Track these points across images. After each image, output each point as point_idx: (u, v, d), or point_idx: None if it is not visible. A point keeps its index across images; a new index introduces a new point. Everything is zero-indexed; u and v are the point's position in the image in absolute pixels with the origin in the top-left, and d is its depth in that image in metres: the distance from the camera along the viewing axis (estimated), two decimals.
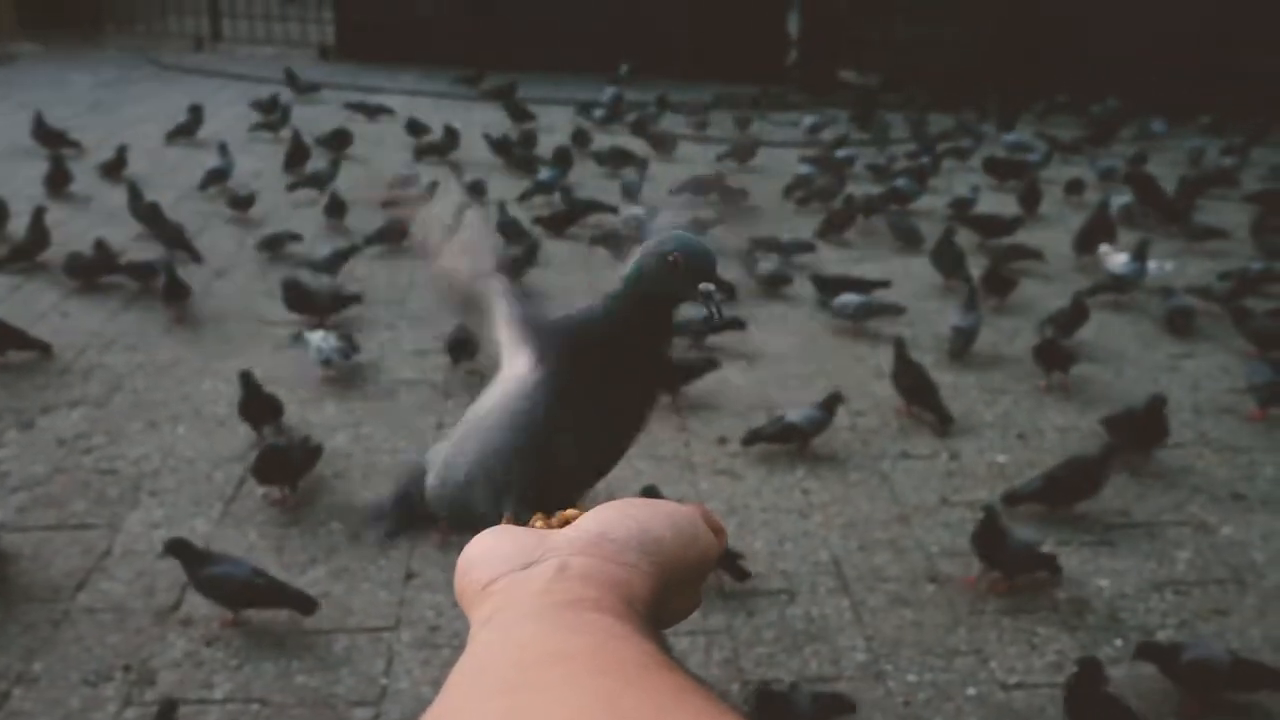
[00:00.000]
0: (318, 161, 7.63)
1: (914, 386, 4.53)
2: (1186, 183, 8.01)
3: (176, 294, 5.21)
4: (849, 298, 5.39)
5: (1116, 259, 6.00)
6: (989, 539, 3.42)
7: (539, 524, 0.83)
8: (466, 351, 4.59)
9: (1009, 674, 3.10)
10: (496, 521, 0.87)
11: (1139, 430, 4.23)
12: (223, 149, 7.38)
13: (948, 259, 6.02)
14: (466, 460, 0.94)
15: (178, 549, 3.14)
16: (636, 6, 11.51)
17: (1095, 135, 9.53)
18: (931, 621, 3.31)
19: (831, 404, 4.25)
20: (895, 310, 5.42)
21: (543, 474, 0.91)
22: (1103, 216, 6.61)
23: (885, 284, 5.77)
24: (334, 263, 5.76)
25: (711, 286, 0.87)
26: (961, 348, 5.11)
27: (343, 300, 5.32)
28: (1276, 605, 3.44)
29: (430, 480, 0.98)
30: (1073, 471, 3.84)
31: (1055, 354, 4.86)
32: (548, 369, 0.91)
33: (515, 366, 0.94)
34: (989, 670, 3.11)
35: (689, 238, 0.90)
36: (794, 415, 4.20)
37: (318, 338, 4.61)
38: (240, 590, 3.09)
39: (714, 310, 0.87)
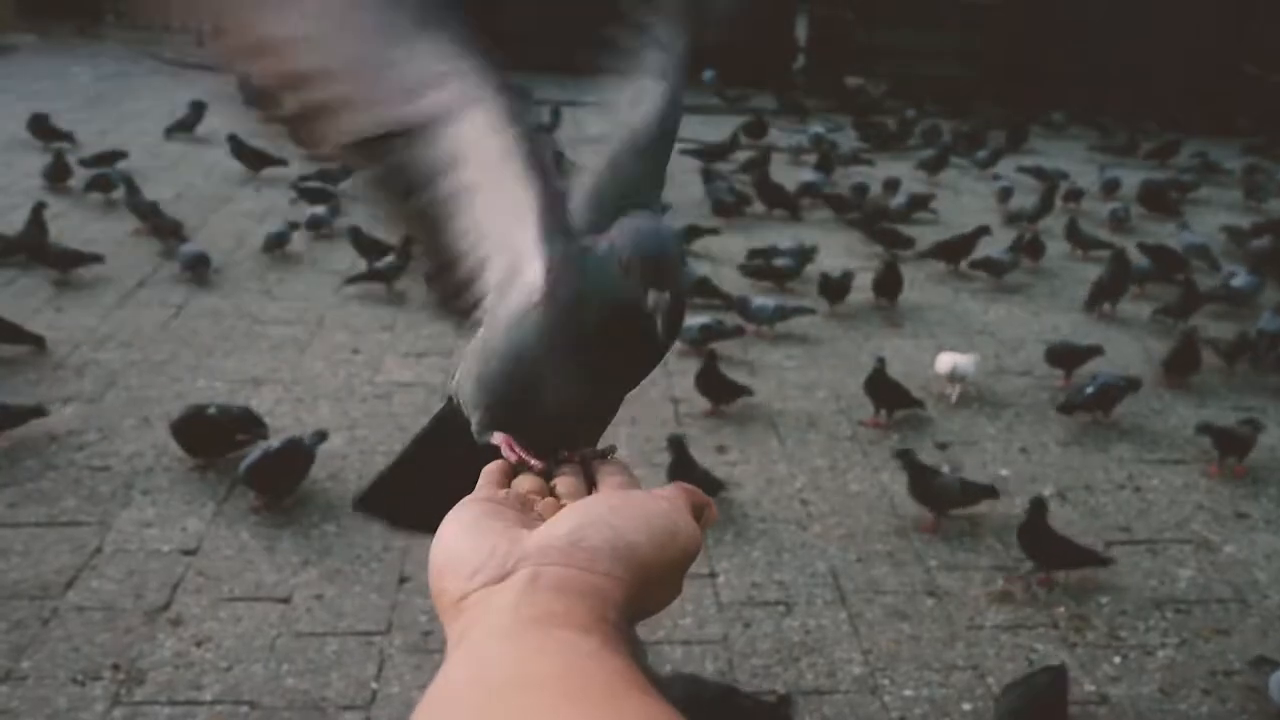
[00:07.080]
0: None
1: (886, 391, 4.54)
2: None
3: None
4: (763, 302, 5.41)
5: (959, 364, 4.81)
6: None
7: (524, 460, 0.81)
8: None
9: None
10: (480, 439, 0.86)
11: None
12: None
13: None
14: (465, 377, 0.88)
15: None
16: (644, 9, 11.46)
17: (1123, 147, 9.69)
18: (929, 635, 3.28)
19: None
20: (806, 311, 5.48)
21: (521, 413, 0.85)
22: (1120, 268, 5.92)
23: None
24: None
25: (665, 296, 0.71)
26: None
27: None
28: (1279, 625, 3.42)
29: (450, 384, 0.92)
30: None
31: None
32: (551, 308, 0.79)
33: (526, 274, 0.82)
34: (986, 686, 3.07)
35: (648, 233, 0.73)
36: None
37: None
38: None
39: (658, 327, 0.72)
